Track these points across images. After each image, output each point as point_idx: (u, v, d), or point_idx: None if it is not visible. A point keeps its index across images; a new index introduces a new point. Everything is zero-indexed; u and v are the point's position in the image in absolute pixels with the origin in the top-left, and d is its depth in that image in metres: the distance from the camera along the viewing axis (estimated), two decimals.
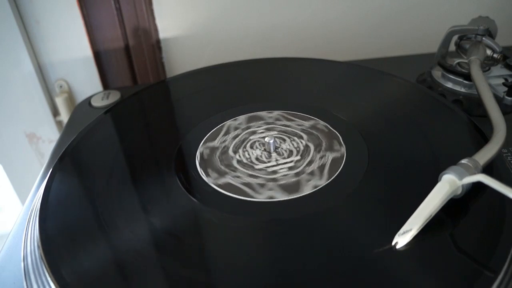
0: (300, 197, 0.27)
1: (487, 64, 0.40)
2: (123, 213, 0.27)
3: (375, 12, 0.56)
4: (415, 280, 0.22)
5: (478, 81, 0.35)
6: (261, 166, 0.31)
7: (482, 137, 0.30)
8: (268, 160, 0.31)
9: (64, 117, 0.55)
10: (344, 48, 0.58)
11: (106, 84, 0.56)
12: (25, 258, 0.26)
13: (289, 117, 0.36)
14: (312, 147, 0.32)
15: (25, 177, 0.59)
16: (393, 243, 0.23)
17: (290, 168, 0.30)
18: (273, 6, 0.54)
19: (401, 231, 0.23)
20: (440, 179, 0.25)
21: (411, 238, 0.23)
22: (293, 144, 0.32)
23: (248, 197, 0.28)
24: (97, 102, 0.46)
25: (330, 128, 0.34)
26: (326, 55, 0.46)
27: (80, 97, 0.56)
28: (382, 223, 0.25)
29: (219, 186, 0.29)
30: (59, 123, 0.56)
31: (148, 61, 0.55)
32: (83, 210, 0.28)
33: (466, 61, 0.40)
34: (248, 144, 0.33)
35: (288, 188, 0.28)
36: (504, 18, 0.48)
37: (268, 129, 0.34)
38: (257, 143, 0.33)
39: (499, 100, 0.36)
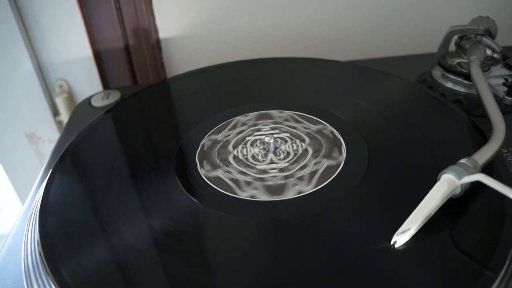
0: (301, 196, 0.27)
1: (487, 64, 0.40)
2: (123, 213, 0.27)
3: (375, 12, 0.56)
4: (414, 279, 0.22)
5: (478, 81, 0.35)
6: (255, 164, 0.31)
7: (482, 137, 0.30)
8: (263, 159, 0.31)
9: (64, 117, 0.55)
10: (344, 48, 0.58)
11: (106, 84, 0.56)
12: (25, 258, 0.26)
13: (296, 117, 0.36)
14: (310, 150, 0.32)
15: (25, 177, 0.59)
16: (391, 242, 0.23)
17: (281, 170, 0.30)
18: (273, 6, 0.54)
19: (400, 230, 0.23)
20: (439, 179, 0.25)
21: (409, 238, 0.23)
22: (292, 146, 0.32)
23: (232, 193, 0.28)
24: (97, 102, 0.46)
25: (329, 126, 0.34)
26: (326, 55, 0.46)
27: (80, 97, 0.56)
28: (382, 223, 0.25)
29: (210, 180, 0.29)
30: (59, 123, 0.56)
31: (148, 61, 0.55)
32: (83, 210, 0.28)
33: (466, 61, 0.40)
34: (249, 143, 0.33)
35: (272, 190, 0.28)
36: (504, 18, 0.48)
37: (268, 129, 0.34)
38: (257, 142, 0.33)
39: (499, 100, 0.36)
